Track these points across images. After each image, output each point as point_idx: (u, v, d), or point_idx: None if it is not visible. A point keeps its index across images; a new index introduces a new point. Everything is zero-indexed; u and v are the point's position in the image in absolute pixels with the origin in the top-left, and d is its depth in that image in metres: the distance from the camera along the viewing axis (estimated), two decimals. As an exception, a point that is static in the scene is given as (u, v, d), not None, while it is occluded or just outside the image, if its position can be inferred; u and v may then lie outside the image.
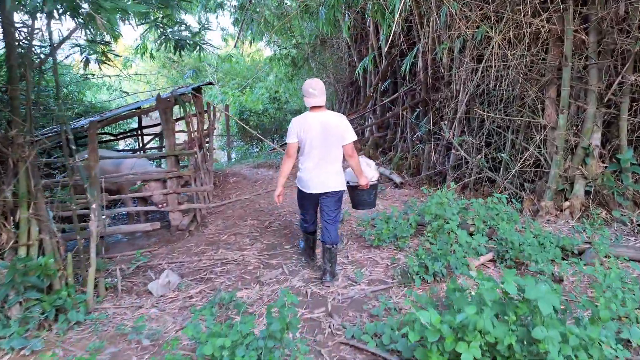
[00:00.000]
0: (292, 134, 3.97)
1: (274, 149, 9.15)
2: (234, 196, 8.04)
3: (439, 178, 7.47)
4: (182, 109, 6.68)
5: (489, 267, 4.13)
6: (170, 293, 4.00)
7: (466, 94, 6.25)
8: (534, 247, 3.99)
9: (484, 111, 5.84)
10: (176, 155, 5.79)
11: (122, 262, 4.95)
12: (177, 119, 8.94)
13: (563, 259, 4.12)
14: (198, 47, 4.17)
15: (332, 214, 4.04)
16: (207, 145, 8.85)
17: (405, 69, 7.25)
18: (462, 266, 3.82)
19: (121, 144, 14.17)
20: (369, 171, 4.45)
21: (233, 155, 14.87)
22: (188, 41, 4.01)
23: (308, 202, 4.18)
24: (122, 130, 11.38)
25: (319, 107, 3.94)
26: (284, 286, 3.96)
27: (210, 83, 8.79)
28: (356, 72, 7.29)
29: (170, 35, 3.66)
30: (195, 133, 6.98)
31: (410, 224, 4.79)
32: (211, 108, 8.96)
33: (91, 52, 4.25)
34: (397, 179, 7.37)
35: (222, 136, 15.90)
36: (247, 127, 8.14)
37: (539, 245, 4.09)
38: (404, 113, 8.40)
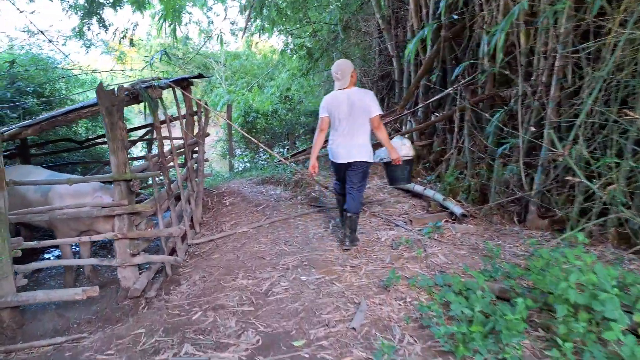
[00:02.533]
0: (323, 109, 4.51)
1: (281, 160, 7.12)
2: (228, 226, 6.07)
3: (516, 208, 5.40)
4: (149, 109, 4.72)
5: None
6: None
7: (592, 87, 4.16)
8: None
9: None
10: (127, 180, 3.81)
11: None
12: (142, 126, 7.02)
13: None
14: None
15: (356, 184, 4.47)
16: (195, 156, 6.94)
17: (494, 47, 5.00)
18: None
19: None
20: (403, 148, 4.88)
21: (237, 165, 12.91)
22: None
23: (337, 170, 4.67)
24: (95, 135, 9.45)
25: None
26: None
27: (201, 76, 6.78)
28: (407, 52, 5.25)
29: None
30: (165, 142, 5.01)
31: (520, 314, 2.73)
32: (202, 108, 7.01)
33: None
34: (457, 209, 5.31)
35: (225, 142, 14.00)
36: (247, 135, 6.19)
37: None
38: (461, 115, 6.34)
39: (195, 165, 6.74)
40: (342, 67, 4.40)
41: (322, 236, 5.05)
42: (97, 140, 7.98)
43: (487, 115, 5.81)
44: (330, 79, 12.19)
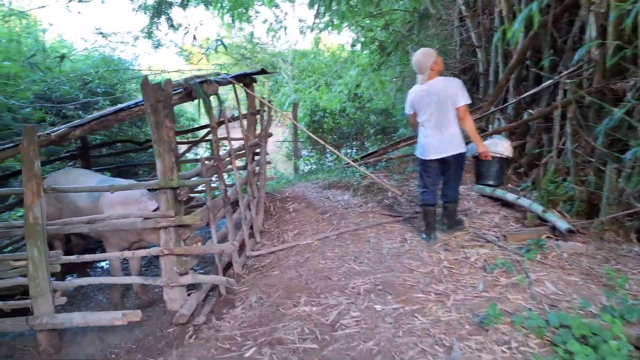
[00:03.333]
0: (408, 105, 4.52)
1: (349, 163, 6.51)
2: (290, 236, 5.55)
3: (635, 224, 4.48)
4: (204, 106, 4.28)
5: None
6: None
7: None
8: None
9: None
10: (174, 188, 3.35)
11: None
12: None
13: None
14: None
15: (452, 174, 4.39)
16: (257, 158, 6.50)
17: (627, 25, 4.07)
18: None
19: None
20: (498, 145, 4.79)
21: (303, 167, 12.45)
22: None
23: (429, 169, 4.44)
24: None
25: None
26: None
27: (264, 71, 6.33)
28: (509, 35, 4.49)
29: None
30: (219, 145, 4.55)
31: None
32: (265, 107, 6.55)
33: None
34: (561, 223, 4.46)
35: (290, 142, 13.60)
36: (313, 136, 5.70)
37: None
38: (562, 112, 5.43)
39: (256, 168, 6.29)
40: (419, 61, 4.25)
41: (398, 253, 4.39)
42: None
43: (610, 107, 4.84)
44: (403, 74, 11.47)
